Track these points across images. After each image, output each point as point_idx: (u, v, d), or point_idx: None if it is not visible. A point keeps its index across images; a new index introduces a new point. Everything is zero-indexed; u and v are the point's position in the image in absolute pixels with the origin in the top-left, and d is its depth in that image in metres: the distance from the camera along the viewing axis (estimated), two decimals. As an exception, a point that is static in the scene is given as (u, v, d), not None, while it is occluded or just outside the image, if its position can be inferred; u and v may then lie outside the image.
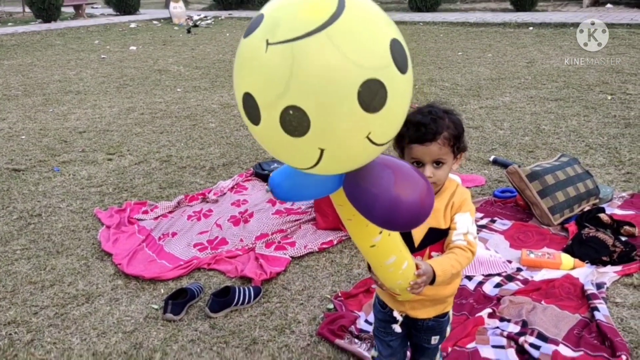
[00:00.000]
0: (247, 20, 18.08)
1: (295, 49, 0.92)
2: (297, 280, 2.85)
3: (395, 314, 1.78)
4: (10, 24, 15.91)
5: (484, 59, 8.58)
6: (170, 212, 3.64)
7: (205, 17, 16.11)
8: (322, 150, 1.00)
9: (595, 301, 2.53)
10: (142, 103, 6.74)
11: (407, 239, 1.68)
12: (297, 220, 3.43)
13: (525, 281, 2.79)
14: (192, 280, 2.87)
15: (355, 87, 0.94)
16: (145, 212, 3.63)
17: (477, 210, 3.58)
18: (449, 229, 1.65)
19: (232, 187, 4.00)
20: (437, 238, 1.67)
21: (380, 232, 1.36)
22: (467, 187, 3.82)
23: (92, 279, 2.89)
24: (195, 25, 14.60)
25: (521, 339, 2.33)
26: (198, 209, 3.68)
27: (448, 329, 1.87)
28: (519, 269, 2.92)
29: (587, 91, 6.30)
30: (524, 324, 2.44)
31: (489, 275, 2.87)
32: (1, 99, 7.06)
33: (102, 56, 10.30)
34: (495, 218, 3.46)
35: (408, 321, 1.79)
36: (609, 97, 5.98)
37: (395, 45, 1.00)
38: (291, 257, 3.03)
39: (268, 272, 2.84)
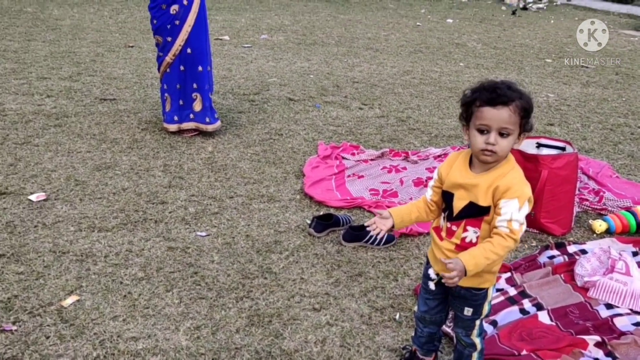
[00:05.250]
0: (585, 10, 16.37)
1: None
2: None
3: (431, 271, 1.91)
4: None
5: None
6: (372, 159, 4.08)
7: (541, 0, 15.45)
8: None
9: None
10: (420, 69, 7.21)
11: (449, 206, 1.78)
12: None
13: (678, 334, 2.38)
14: (350, 214, 3.29)
15: None
16: (353, 153, 4.14)
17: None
18: (489, 207, 1.69)
19: (439, 155, 4.19)
20: (475, 213, 1.73)
21: None
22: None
23: (281, 188, 3.57)
24: (525, 8, 14.19)
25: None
26: (395, 164, 4.02)
27: (486, 307, 1.88)
28: (682, 320, 2.48)
29: None
30: (630, 368, 2.16)
31: (638, 313, 2.53)
32: (317, 45, 8.38)
33: (418, 24, 11.04)
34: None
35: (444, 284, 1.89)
36: None
37: None
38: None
39: (409, 228, 3.06)
